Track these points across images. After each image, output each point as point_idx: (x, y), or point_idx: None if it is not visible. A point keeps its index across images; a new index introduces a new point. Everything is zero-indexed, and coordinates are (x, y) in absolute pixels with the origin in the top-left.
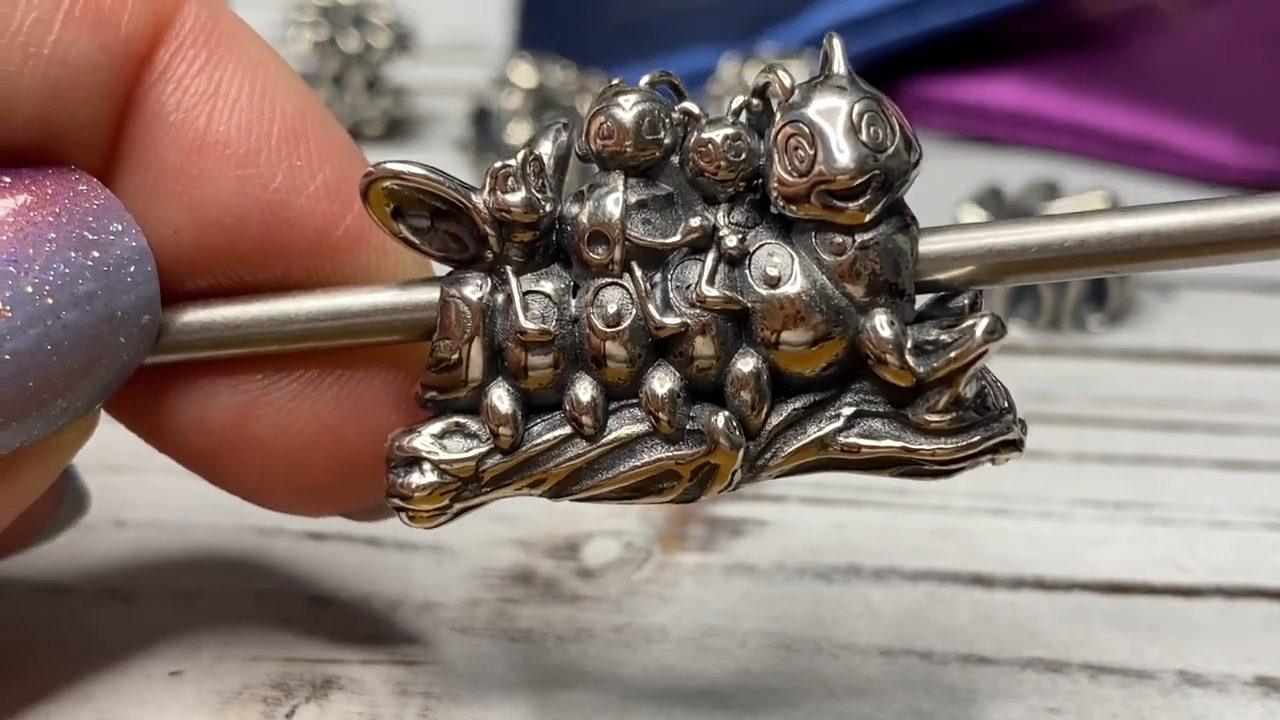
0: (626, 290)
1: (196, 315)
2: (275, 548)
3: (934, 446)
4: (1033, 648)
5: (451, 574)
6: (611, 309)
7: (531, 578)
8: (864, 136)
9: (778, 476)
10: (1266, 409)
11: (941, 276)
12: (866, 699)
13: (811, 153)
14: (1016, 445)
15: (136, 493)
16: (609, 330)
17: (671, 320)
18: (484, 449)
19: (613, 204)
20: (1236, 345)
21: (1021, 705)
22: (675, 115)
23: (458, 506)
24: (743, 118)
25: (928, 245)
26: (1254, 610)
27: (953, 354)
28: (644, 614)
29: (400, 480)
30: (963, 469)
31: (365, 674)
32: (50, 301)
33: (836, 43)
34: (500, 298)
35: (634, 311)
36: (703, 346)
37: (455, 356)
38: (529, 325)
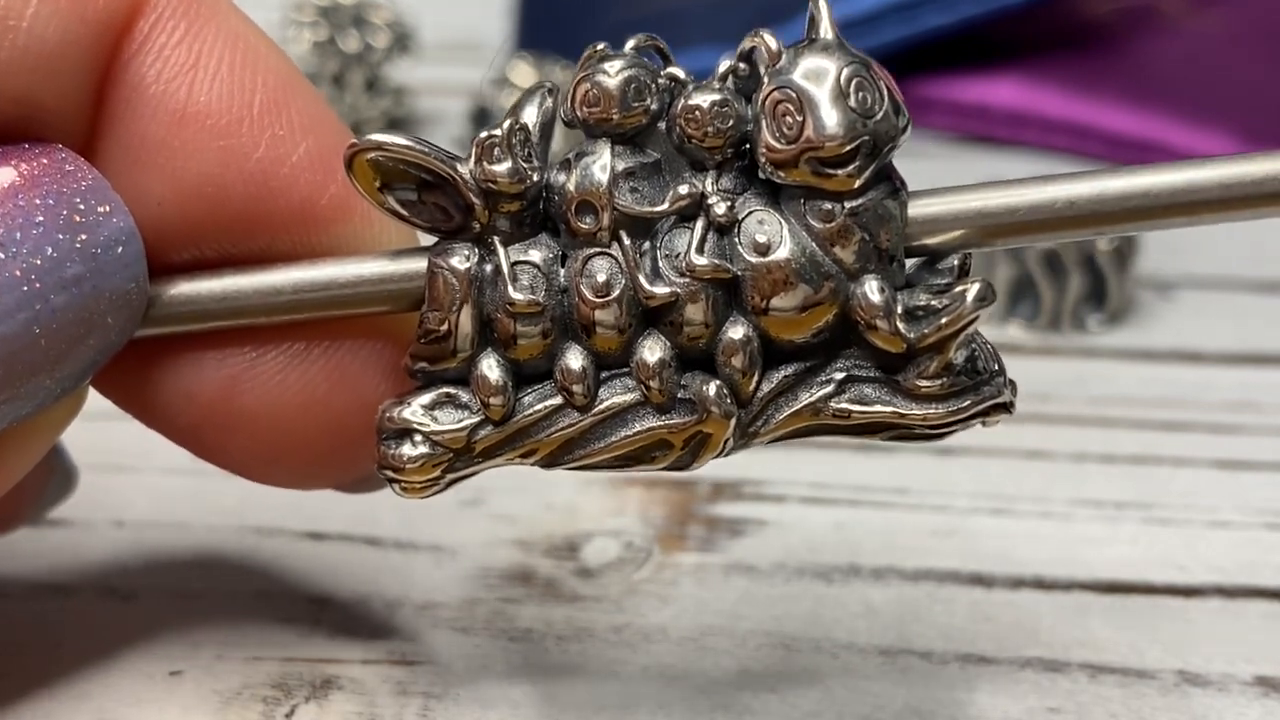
0: (615, 260)
1: (182, 288)
2: (275, 548)
3: (925, 411)
4: (1032, 647)
5: (451, 574)
6: (601, 278)
7: (531, 578)
8: (852, 102)
9: (770, 442)
10: (1266, 409)
11: (931, 241)
12: (866, 699)
13: (800, 119)
14: (1007, 408)
15: (136, 493)
16: (598, 300)
17: (661, 289)
18: (475, 420)
19: (600, 172)
20: (1236, 345)
21: (1021, 705)
22: (661, 81)
23: (450, 477)
24: (729, 83)
25: (917, 209)
26: (1254, 610)
27: (943, 320)
28: (644, 614)
29: (392, 452)
30: (953, 431)
31: (365, 674)
32: (38, 285)
33: (823, 5)
34: (488, 268)
35: (623, 281)
36: (693, 315)
37: (444, 327)
38: (518, 296)
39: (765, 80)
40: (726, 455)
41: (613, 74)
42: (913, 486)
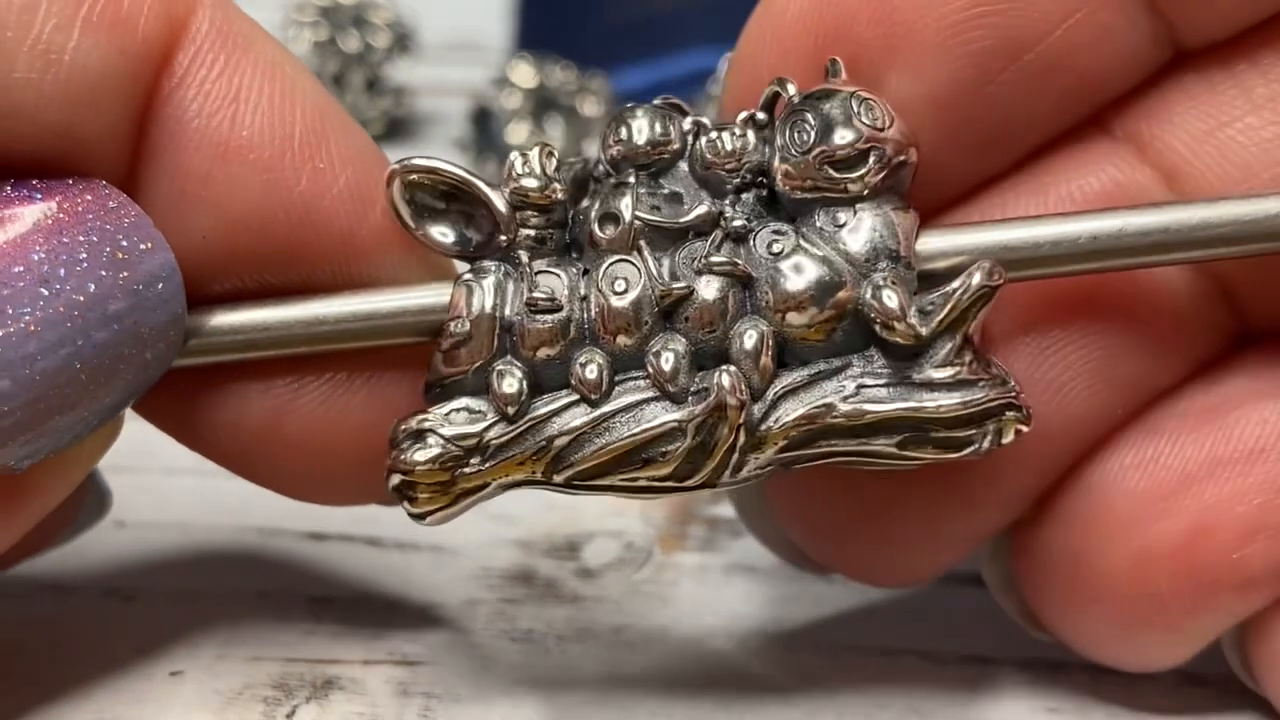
0: (635, 265)
1: (226, 318)
2: (275, 548)
3: (938, 402)
4: (1033, 648)
5: (451, 574)
6: (620, 278)
7: (531, 578)
8: (864, 119)
9: (781, 452)
10: None
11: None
12: (866, 699)
13: (814, 127)
14: (1023, 414)
15: (136, 493)
16: (617, 299)
17: (678, 285)
18: (489, 421)
19: (624, 191)
20: None
21: (1021, 705)
22: (686, 125)
23: (461, 486)
24: (749, 129)
25: (941, 240)
26: None
27: (955, 296)
28: (644, 614)
29: (404, 456)
30: (972, 443)
31: (365, 674)
32: (81, 321)
33: (839, 61)
34: (512, 277)
35: (642, 281)
36: (708, 311)
37: (466, 330)
38: (539, 295)
39: (783, 110)
40: (737, 458)
41: (639, 115)
42: None
